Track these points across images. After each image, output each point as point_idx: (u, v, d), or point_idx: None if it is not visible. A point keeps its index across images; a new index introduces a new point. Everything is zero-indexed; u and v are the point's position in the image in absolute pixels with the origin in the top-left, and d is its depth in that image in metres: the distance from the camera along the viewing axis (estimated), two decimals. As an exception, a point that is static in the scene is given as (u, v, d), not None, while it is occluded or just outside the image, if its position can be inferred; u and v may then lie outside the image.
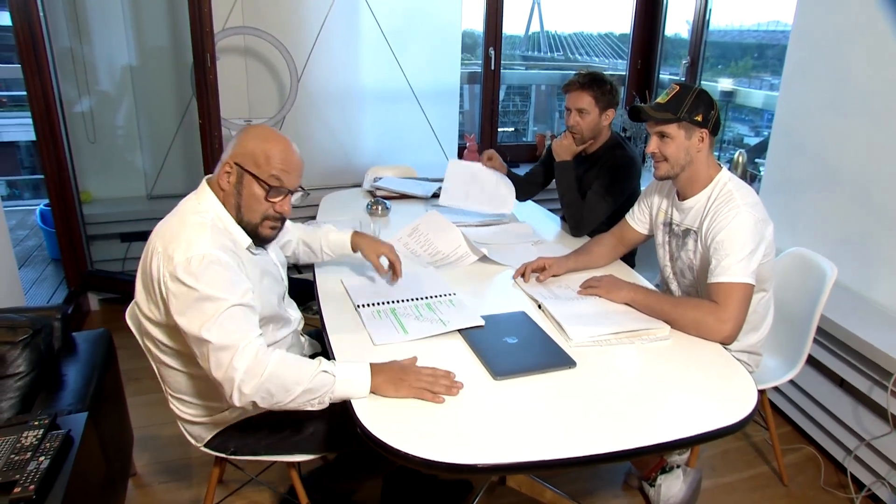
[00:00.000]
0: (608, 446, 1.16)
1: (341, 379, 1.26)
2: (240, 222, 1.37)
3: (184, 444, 2.17)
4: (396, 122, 3.54)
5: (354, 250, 1.69)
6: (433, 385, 1.26)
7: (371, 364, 1.29)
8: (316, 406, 1.27)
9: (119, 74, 3.24)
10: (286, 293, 1.59)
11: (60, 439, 1.32)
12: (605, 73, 2.28)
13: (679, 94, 1.63)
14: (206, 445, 1.51)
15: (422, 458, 1.11)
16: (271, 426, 1.48)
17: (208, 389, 1.42)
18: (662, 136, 1.65)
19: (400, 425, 1.19)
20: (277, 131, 1.40)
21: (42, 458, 1.25)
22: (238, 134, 1.39)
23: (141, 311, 1.37)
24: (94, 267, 3.20)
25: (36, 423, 1.36)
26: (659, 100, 1.65)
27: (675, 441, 1.20)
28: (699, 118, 1.62)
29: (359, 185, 2.95)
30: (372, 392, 1.27)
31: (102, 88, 3.24)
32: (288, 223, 1.75)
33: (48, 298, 3.28)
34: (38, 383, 1.63)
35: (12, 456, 1.26)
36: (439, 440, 1.15)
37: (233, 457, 1.51)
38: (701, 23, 3.65)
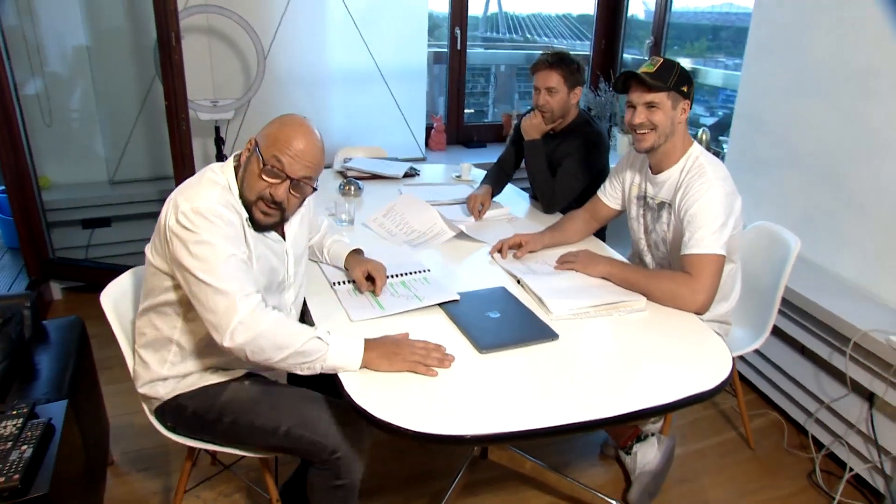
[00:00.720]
0: (591, 415, 1.19)
1: (334, 349, 1.28)
2: (241, 198, 1.37)
3: (160, 432, 2.16)
4: (364, 104, 3.51)
5: (346, 267, 1.70)
6: (426, 358, 1.29)
7: (366, 340, 1.30)
8: (305, 371, 1.28)
9: (73, 55, 3.12)
10: (289, 286, 1.53)
11: (42, 428, 1.30)
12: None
13: (665, 65, 1.66)
14: (155, 417, 1.51)
15: (410, 430, 1.13)
16: (196, 409, 1.44)
17: (174, 357, 1.43)
18: (650, 105, 1.67)
19: (388, 398, 1.21)
20: (307, 122, 1.37)
21: (24, 448, 1.23)
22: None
23: (149, 261, 1.38)
24: (56, 255, 3.10)
25: (14, 412, 1.34)
26: (646, 69, 1.67)
27: (655, 408, 1.25)
28: (685, 90, 1.66)
29: (328, 167, 2.93)
30: (365, 367, 1.29)
31: (55, 70, 3.11)
32: (325, 225, 1.78)
33: (7, 288, 3.16)
34: (11, 373, 1.59)
35: (-8, 446, 1.24)
36: (427, 412, 1.17)
37: (174, 435, 1.50)
38: (664, 4, 3.71)
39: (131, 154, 3.25)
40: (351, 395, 1.21)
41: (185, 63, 2.61)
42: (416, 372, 1.28)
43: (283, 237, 1.48)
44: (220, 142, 3.02)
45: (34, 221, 2.93)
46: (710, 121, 4.02)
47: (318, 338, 1.27)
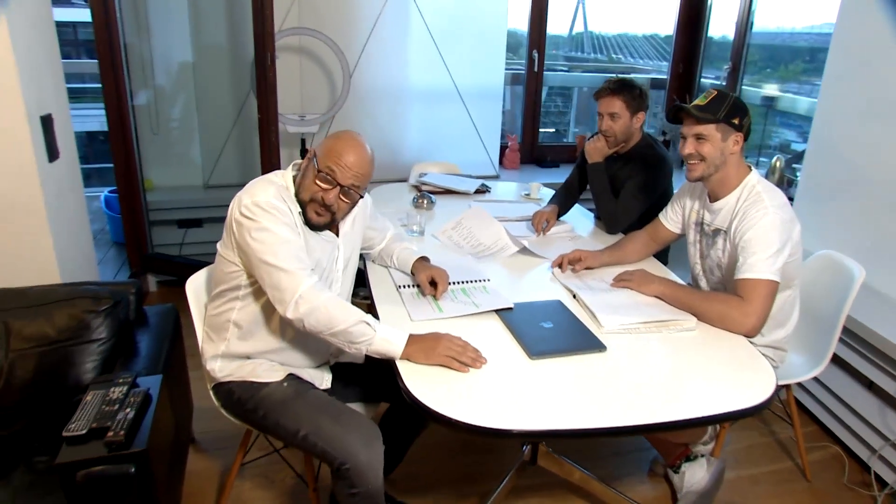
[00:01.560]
0: (633, 420, 1.27)
1: (381, 336, 1.44)
2: (297, 197, 1.55)
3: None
4: (441, 121, 3.68)
5: (412, 272, 1.86)
6: (461, 355, 1.41)
7: (411, 334, 1.45)
8: (352, 350, 1.45)
9: (180, 70, 3.45)
10: (335, 281, 1.67)
11: (142, 396, 1.49)
12: (639, 77, 2.37)
13: (717, 97, 1.72)
14: (213, 393, 1.69)
15: (463, 422, 1.25)
16: (240, 396, 1.60)
17: (233, 335, 1.60)
18: (699, 137, 1.74)
19: (445, 395, 1.32)
20: (359, 138, 1.55)
21: (128, 410, 1.43)
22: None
23: (218, 254, 1.59)
24: (154, 250, 3.42)
25: (120, 381, 1.54)
26: (698, 102, 1.74)
27: (695, 419, 1.30)
28: (736, 121, 1.71)
29: (404, 180, 3.10)
30: (406, 358, 1.43)
31: (164, 83, 3.45)
32: (391, 232, 1.94)
33: (112, 278, 3.51)
34: (117, 349, 1.81)
35: (103, 407, 1.44)
36: (479, 408, 1.28)
37: (224, 412, 1.68)
38: (744, 26, 3.68)
39: (224, 161, 3.56)
40: (411, 391, 1.33)
41: (278, 79, 2.85)
42: (450, 367, 1.40)
43: (337, 234, 1.65)
44: (305, 153, 3.25)
45: (139, 220, 3.25)
46: (802, 147, 3.90)
47: (367, 323, 1.43)
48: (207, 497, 2.00)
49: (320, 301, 1.43)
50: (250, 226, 1.45)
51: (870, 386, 2.20)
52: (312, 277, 1.46)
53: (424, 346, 1.43)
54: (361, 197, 1.58)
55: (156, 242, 3.46)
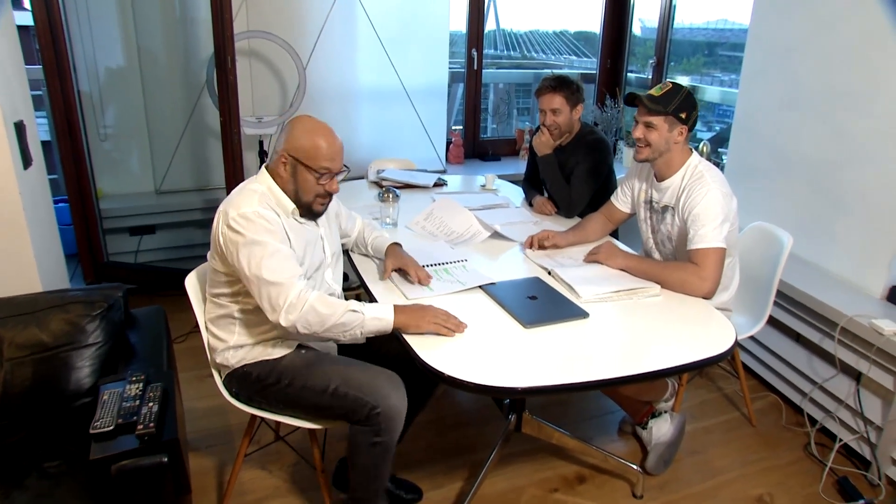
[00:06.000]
0: (621, 372, 1.46)
1: (370, 317, 1.56)
2: (297, 202, 1.66)
3: (222, 414, 2.41)
4: (390, 119, 3.79)
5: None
6: (446, 322, 1.57)
7: (395, 305, 1.59)
8: (348, 338, 1.57)
9: (125, 75, 3.39)
10: (327, 266, 1.80)
11: (161, 390, 1.55)
12: (567, 71, 2.58)
13: (671, 91, 1.92)
14: (223, 385, 1.76)
15: (475, 384, 1.39)
16: (259, 374, 1.68)
17: (239, 328, 1.69)
18: (648, 125, 1.95)
19: (456, 363, 1.46)
20: (322, 123, 1.66)
21: (151, 405, 1.48)
22: (287, 127, 1.67)
23: (211, 267, 1.68)
24: (109, 259, 3.35)
25: (133, 378, 1.59)
26: (652, 92, 1.94)
27: (672, 368, 1.50)
28: (683, 116, 1.92)
29: (358, 178, 3.19)
30: (398, 329, 1.57)
31: (110, 89, 3.38)
32: (360, 221, 2.07)
33: (62, 291, 3.41)
34: (114, 352, 1.83)
35: (123, 404, 1.49)
36: (485, 371, 1.43)
37: (236, 402, 1.74)
38: (666, 22, 3.99)
39: (177, 166, 3.52)
40: (425, 360, 1.47)
41: (231, 83, 2.87)
42: (438, 333, 1.56)
43: (316, 224, 1.77)
44: (263, 154, 3.29)
45: (93, 229, 3.19)
46: (707, 135, 4.26)
47: (353, 310, 1.55)
48: (209, 492, 2.05)
49: (307, 305, 1.52)
50: (238, 240, 1.53)
51: (797, 339, 2.51)
52: (300, 283, 1.54)
53: (414, 316, 1.57)
54: (349, 170, 1.73)
55: (109, 251, 3.40)
